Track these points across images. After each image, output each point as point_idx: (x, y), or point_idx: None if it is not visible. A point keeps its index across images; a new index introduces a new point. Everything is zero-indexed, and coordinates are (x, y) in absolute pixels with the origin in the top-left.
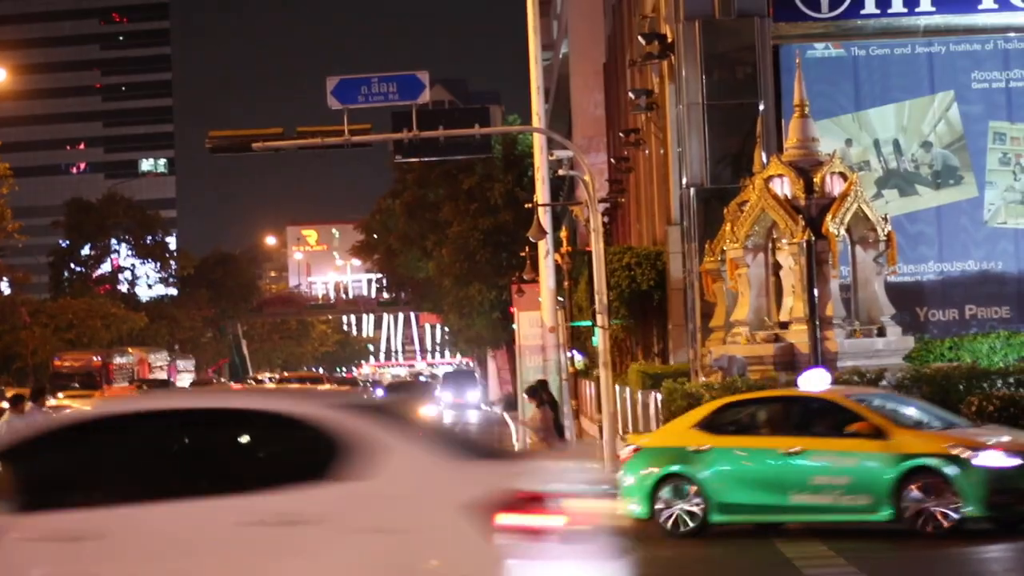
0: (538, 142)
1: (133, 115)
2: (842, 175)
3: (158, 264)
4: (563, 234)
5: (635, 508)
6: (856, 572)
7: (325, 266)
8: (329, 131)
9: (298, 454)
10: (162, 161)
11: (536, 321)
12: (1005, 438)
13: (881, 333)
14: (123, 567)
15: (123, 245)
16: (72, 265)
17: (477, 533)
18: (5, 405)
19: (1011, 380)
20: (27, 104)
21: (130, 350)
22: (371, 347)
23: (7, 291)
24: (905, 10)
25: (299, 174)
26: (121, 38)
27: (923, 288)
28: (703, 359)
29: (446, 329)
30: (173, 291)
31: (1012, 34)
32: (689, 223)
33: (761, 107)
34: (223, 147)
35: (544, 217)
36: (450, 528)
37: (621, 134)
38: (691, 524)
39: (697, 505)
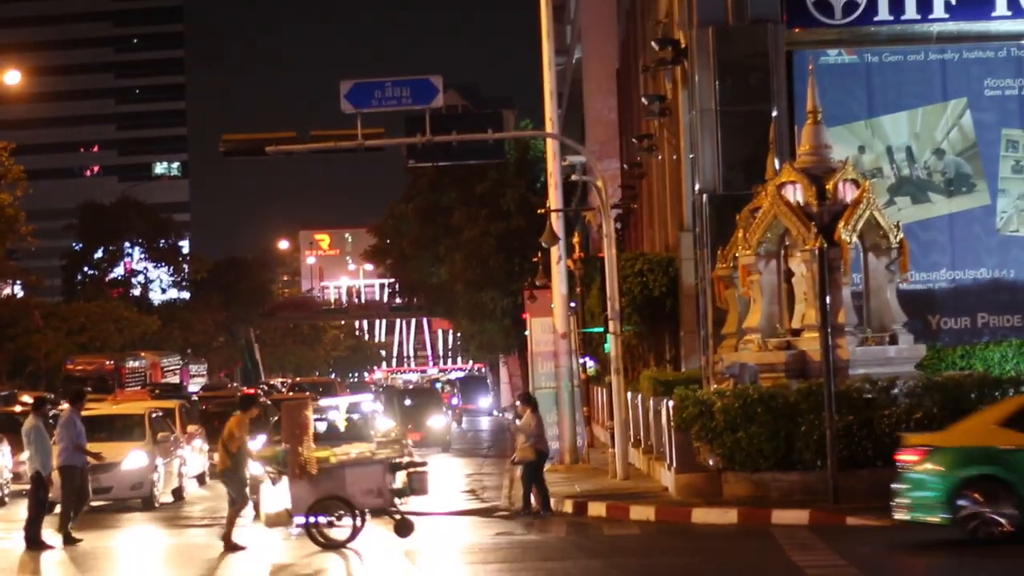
0: (551, 147)
1: (147, 118)
2: (855, 182)
3: (171, 268)
4: (575, 240)
5: (931, 512)
6: None
7: (338, 270)
8: (342, 135)
9: None
10: (176, 164)
11: (548, 327)
12: None
13: (893, 341)
14: None
15: (136, 248)
16: (85, 268)
17: None
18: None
19: (1023, 389)
20: (41, 107)
21: (143, 354)
22: (383, 352)
23: (20, 294)
24: (918, 17)
25: (312, 178)
26: (135, 41)
27: (935, 296)
28: (715, 366)
29: (458, 334)
30: (186, 295)
31: None
32: (702, 229)
33: (774, 113)
34: (236, 150)
35: (557, 223)
36: None
37: (634, 140)
38: (1006, 529)
39: (1011, 510)
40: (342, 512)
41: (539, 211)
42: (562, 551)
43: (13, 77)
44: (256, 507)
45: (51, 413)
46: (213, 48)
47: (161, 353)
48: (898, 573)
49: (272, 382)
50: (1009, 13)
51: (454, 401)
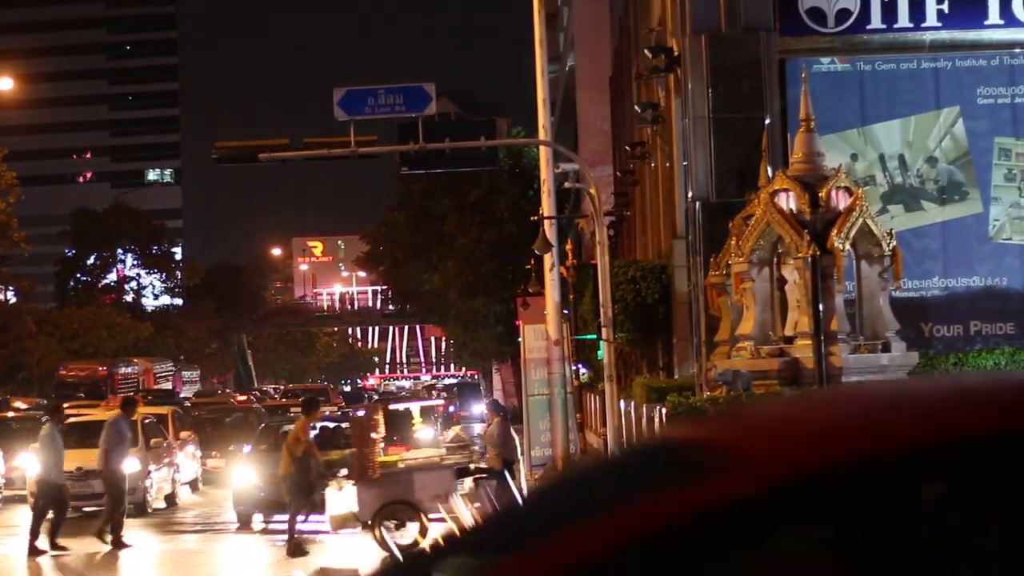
0: (544, 155)
1: (140, 125)
2: (847, 190)
3: (164, 274)
4: (568, 247)
5: None
6: None
7: (331, 277)
8: (335, 142)
9: None
10: (168, 171)
11: (541, 334)
12: None
13: (886, 348)
14: None
15: (129, 255)
16: (78, 274)
17: None
18: (5, 413)
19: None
20: (34, 113)
21: (135, 360)
22: (376, 359)
23: (13, 300)
24: (911, 25)
25: (305, 185)
26: (128, 48)
27: (928, 304)
28: (708, 373)
29: (451, 341)
30: (179, 301)
31: (1018, 50)
32: (694, 237)
33: (767, 121)
34: (229, 157)
35: (550, 230)
36: None
37: (627, 147)
38: None
39: None
40: (409, 516)
41: (532, 218)
42: None
43: (6, 83)
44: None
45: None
46: (206, 55)
47: (154, 360)
48: None
49: (265, 388)
50: (1002, 22)
51: (451, 408)
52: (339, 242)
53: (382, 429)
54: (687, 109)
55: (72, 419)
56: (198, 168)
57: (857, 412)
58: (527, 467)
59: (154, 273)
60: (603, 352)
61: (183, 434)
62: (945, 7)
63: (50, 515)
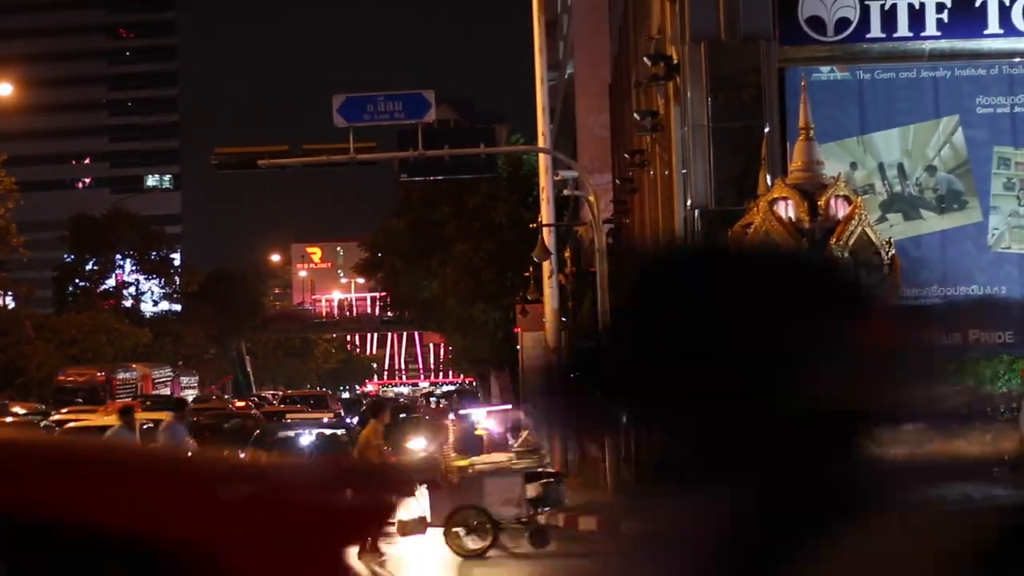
0: (543, 162)
1: (139, 131)
2: (846, 198)
3: (162, 280)
4: (567, 254)
5: None
6: None
7: (329, 284)
8: (335, 149)
9: None
10: (167, 177)
11: (540, 341)
12: None
13: None
14: None
15: (128, 260)
16: (76, 280)
17: None
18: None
19: (1014, 406)
20: (33, 118)
21: (134, 366)
22: (375, 365)
23: (11, 305)
24: (910, 34)
25: (304, 192)
26: (128, 54)
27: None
28: None
29: (450, 348)
30: (177, 307)
31: (1017, 59)
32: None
33: (766, 129)
34: (229, 163)
35: (549, 237)
36: None
37: (626, 155)
38: None
39: None
40: (480, 521)
41: (531, 225)
42: (555, 566)
43: (5, 89)
44: None
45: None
46: (206, 61)
47: (152, 365)
48: None
49: (263, 394)
50: (1001, 31)
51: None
52: (338, 248)
53: (453, 434)
54: (686, 117)
55: (71, 425)
56: (197, 174)
57: None
58: None
59: (153, 279)
60: None
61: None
62: (945, 16)
63: None
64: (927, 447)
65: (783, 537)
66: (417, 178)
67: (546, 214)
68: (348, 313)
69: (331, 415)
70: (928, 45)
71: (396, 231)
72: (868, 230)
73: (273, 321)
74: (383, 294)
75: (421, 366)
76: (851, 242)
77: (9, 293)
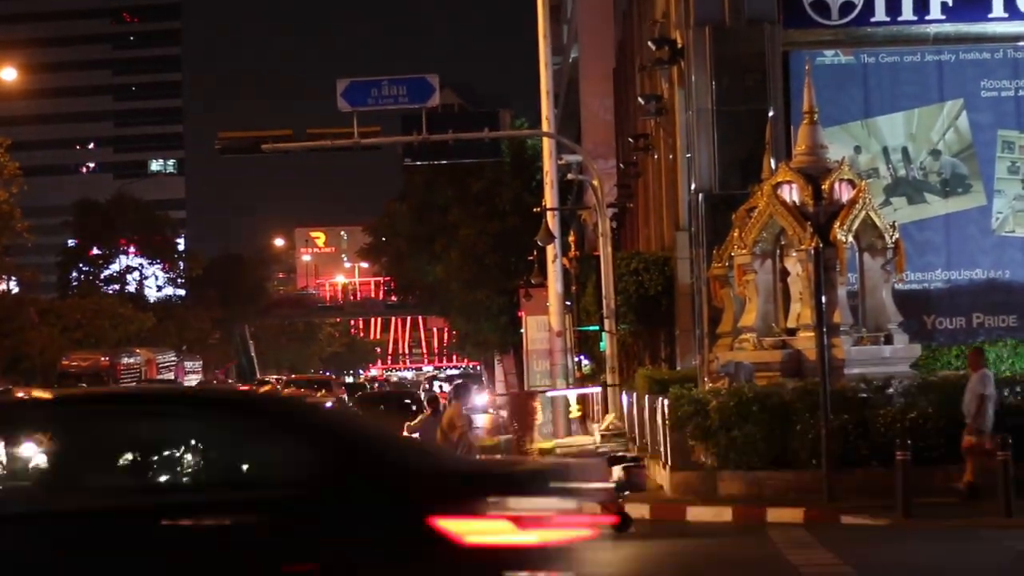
0: (547, 146)
1: (143, 115)
2: (851, 182)
3: (166, 265)
4: (571, 239)
5: None
6: None
7: (333, 268)
8: (338, 133)
9: None
10: (171, 162)
11: (544, 325)
12: None
13: (888, 341)
14: None
15: (132, 245)
16: (81, 265)
17: None
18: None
19: (1018, 389)
20: (37, 103)
21: (138, 351)
22: (378, 350)
23: (16, 290)
24: (915, 18)
25: (308, 176)
26: (132, 38)
27: (930, 296)
28: (710, 365)
29: (454, 332)
30: (181, 292)
31: (1022, 43)
32: (697, 229)
33: (770, 113)
34: (232, 148)
35: (553, 221)
36: None
37: (630, 139)
38: None
39: None
40: None
41: (535, 210)
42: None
43: (9, 74)
44: None
45: None
46: (210, 46)
47: (156, 350)
48: (893, 572)
49: (267, 379)
50: (1005, 15)
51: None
52: (342, 233)
53: (540, 416)
54: (690, 101)
55: None
56: (201, 159)
57: None
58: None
59: (157, 263)
60: (605, 343)
61: None
62: (949, 0)
63: None
64: None
65: None
66: (421, 162)
67: (550, 198)
68: (352, 297)
69: (334, 400)
70: (932, 29)
71: (400, 215)
72: (872, 214)
73: (277, 306)
74: (387, 278)
75: (425, 350)
76: (855, 226)
77: (13, 278)
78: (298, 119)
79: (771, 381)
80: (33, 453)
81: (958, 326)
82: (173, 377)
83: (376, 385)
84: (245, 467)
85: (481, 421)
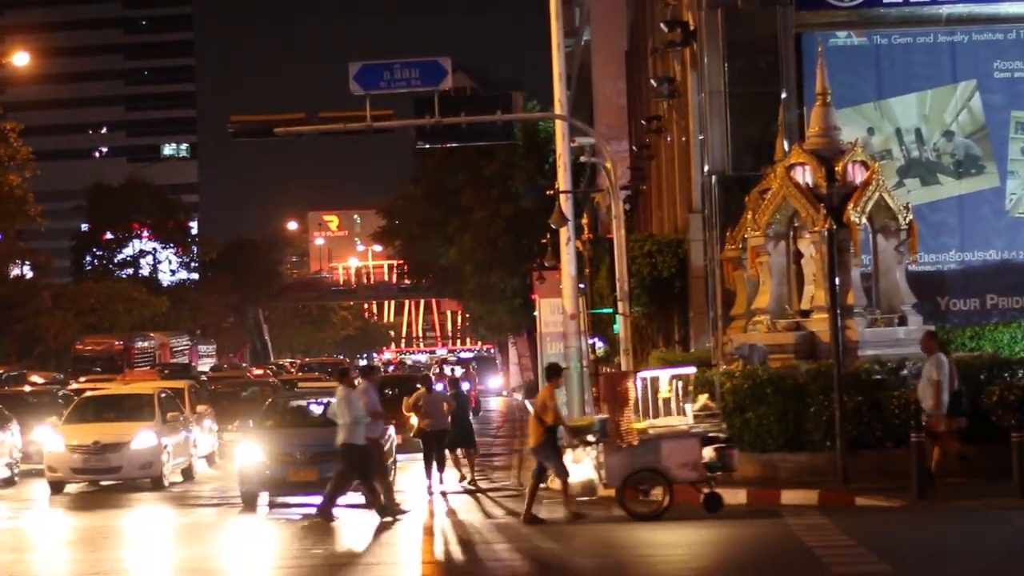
0: (560, 129)
1: (155, 100)
2: (864, 164)
3: (180, 249)
4: (585, 221)
5: None
6: None
7: (347, 251)
8: (351, 117)
9: None
10: (184, 146)
11: (557, 308)
12: None
13: (902, 322)
14: None
15: (145, 229)
16: (94, 249)
17: None
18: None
19: None
20: (50, 88)
21: (152, 335)
22: (392, 333)
23: (30, 275)
24: None
25: (321, 160)
26: (144, 23)
27: (944, 277)
28: (724, 347)
29: (467, 315)
30: (195, 276)
31: None
32: (710, 211)
33: (783, 95)
34: (245, 132)
35: (566, 204)
36: None
37: (643, 121)
38: None
39: None
40: (654, 484)
41: (548, 192)
42: (574, 532)
43: (22, 58)
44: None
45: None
46: (222, 30)
47: (170, 334)
48: (908, 553)
49: (281, 363)
50: None
51: (465, 386)
52: (355, 216)
53: (633, 396)
54: (703, 83)
55: (89, 393)
56: (214, 143)
57: None
58: None
59: (170, 248)
60: (619, 326)
61: (199, 408)
62: None
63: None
64: None
65: None
66: (434, 145)
67: (563, 181)
68: (365, 281)
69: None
70: (945, 10)
71: (413, 198)
72: (886, 195)
73: (290, 289)
74: (400, 261)
75: (439, 333)
76: (868, 208)
77: (27, 263)
78: (311, 103)
79: (785, 363)
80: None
81: (972, 307)
82: (187, 361)
83: (391, 368)
84: None
85: (495, 404)
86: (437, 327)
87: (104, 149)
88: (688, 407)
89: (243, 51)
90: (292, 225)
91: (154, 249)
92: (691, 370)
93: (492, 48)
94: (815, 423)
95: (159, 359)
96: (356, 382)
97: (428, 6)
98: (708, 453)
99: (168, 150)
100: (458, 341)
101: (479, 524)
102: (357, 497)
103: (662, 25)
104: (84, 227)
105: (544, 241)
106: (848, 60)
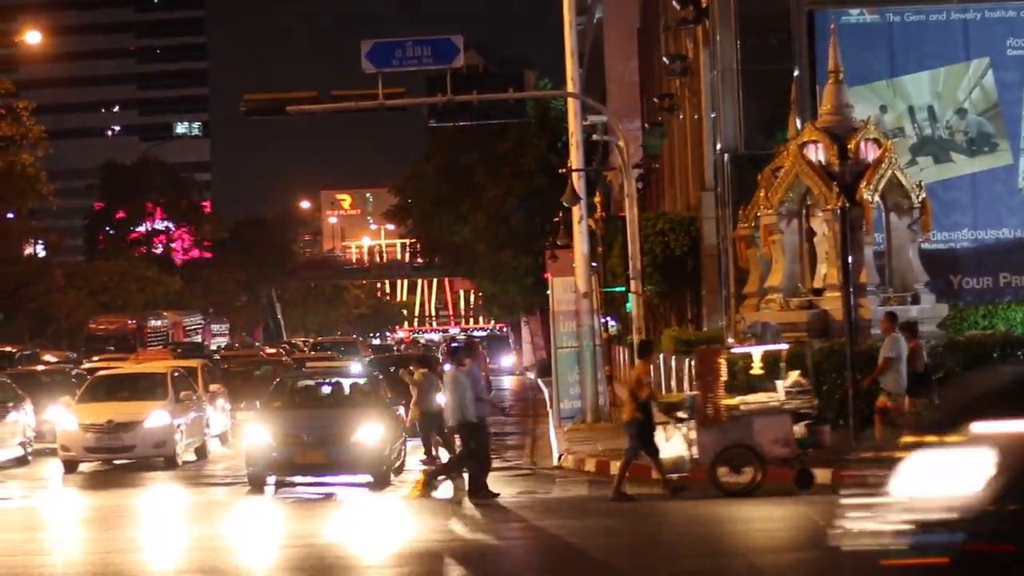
0: (572, 107)
1: (168, 78)
2: (876, 141)
3: (192, 228)
4: (597, 199)
5: None
6: None
7: (359, 230)
8: (363, 95)
9: None
10: (196, 124)
11: (570, 287)
12: None
13: (915, 300)
14: None
15: (158, 208)
16: (107, 228)
17: None
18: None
19: None
20: (61, 66)
21: (164, 313)
22: (405, 312)
23: (42, 254)
24: None
25: (334, 138)
26: (156, 1)
27: (957, 255)
28: (737, 325)
29: (480, 294)
30: (207, 255)
31: None
32: (723, 189)
33: (796, 73)
34: (257, 110)
35: (578, 182)
36: None
37: (655, 99)
38: None
39: None
40: (747, 460)
41: (560, 171)
42: (583, 509)
43: (34, 37)
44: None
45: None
46: (234, 8)
47: (183, 313)
48: None
49: (294, 342)
50: None
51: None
52: (367, 195)
53: (725, 372)
54: (715, 61)
55: (102, 372)
56: (226, 121)
57: None
58: (556, 420)
59: (183, 226)
60: (632, 304)
61: (212, 387)
62: None
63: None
64: None
65: None
66: (446, 123)
67: (575, 159)
68: (378, 260)
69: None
70: None
71: (425, 176)
72: (898, 173)
73: (303, 268)
74: (413, 240)
75: (452, 312)
76: (881, 185)
77: (40, 241)
78: (322, 81)
79: (798, 341)
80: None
81: (985, 286)
82: (200, 340)
83: (403, 347)
84: None
85: (508, 383)
86: (450, 306)
87: (116, 128)
88: (779, 383)
89: (255, 29)
90: (305, 204)
91: (167, 228)
92: (783, 346)
93: (503, 25)
94: (828, 401)
95: (172, 338)
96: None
97: None
98: (799, 430)
99: (180, 128)
100: (471, 320)
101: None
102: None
103: (674, 2)
104: (97, 206)
105: (557, 220)
106: (861, 37)
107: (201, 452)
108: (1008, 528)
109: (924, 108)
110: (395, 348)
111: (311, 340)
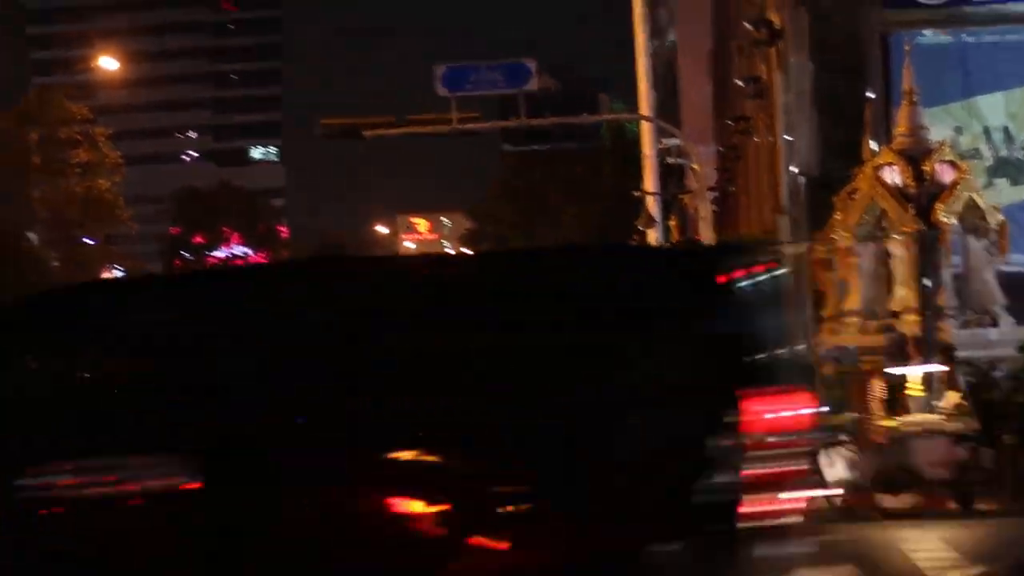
0: (646, 130)
1: (243, 104)
2: (952, 163)
3: (270, 253)
4: (672, 223)
5: None
6: None
7: None
8: (438, 119)
9: None
10: (272, 149)
11: None
12: None
13: (994, 323)
14: None
15: (234, 234)
16: (184, 253)
17: None
18: None
19: None
20: (137, 92)
21: None
22: None
23: None
24: None
25: (408, 162)
26: (231, 26)
27: None
28: (816, 349)
29: None
30: None
31: None
32: (798, 212)
33: (870, 95)
34: (335, 134)
35: (653, 206)
36: None
37: (729, 122)
38: None
39: None
40: (906, 483)
41: (635, 194)
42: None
43: (111, 63)
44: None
45: None
46: (310, 33)
47: None
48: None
49: None
50: None
51: None
52: (443, 219)
53: (883, 393)
54: (789, 83)
55: None
56: (300, 146)
57: None
58: None
59: (260, 251)
60: None
61: None
62: None
63: None
64: None
65: None
66: (521, 147)
67: (650, 182)
68: None
69: None
70: None
71: (501, 200)
72: (975, 195)
73: None
74: None
75: None
76: (958, 208)
77: (118, 267)
78: (396, 106)
79: (875, 365)
80: None
81: None
82: None
83: None
84: None
85: None
86: None
87: (192, 153)
88: (938, 404)
89: (329, 54)
90: (381, 228)
91: (245, 253)
92: (942, 368)
93: (577, 48)
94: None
95: None
96: None
97: (512, 6)
98: (960, 452)
99: (255, 154)
100: None
101: None
102: None
103: (747, 24)
104: (173, 231)
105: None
106: (935, 59)
107: None
108: None
109: (1000, 129)
110: None
111: None
